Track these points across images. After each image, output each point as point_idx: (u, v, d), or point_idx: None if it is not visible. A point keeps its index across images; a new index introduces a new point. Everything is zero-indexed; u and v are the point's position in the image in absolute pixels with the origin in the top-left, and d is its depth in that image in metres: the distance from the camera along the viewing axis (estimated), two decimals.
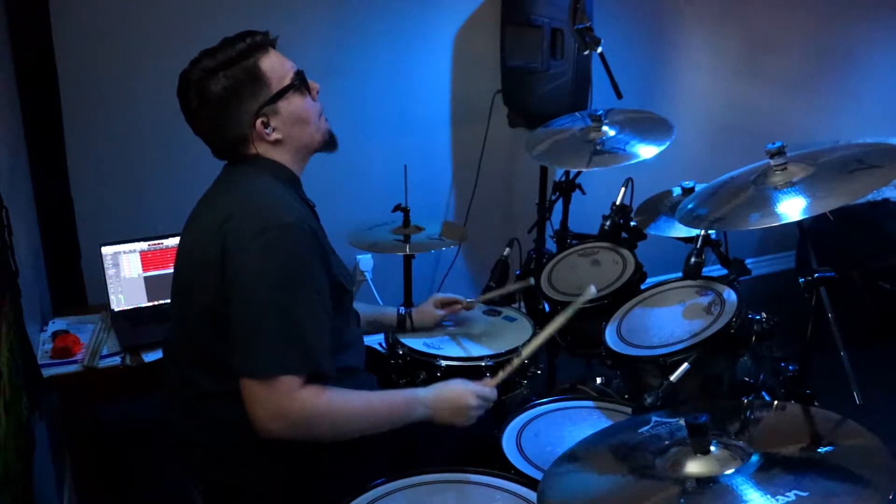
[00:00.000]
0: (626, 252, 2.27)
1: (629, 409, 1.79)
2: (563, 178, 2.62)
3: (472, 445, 1.70)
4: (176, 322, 1.65)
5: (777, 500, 1.06)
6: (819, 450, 1.21)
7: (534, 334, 1.99)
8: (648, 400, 1.63)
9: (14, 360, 1.75)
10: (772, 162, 1.65)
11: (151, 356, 2.17)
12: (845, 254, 3.34)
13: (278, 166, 1.59)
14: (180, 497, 1.73)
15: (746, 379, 1.80)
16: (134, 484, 2.52)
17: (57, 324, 2.38)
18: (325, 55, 2.90)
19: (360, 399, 1.53)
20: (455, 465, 1.54)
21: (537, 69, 2.94)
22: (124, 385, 2.18)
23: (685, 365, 1.69)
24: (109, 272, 2.38)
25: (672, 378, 1.67)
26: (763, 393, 1.82)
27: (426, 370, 1.95)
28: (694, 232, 1.98)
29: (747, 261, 1.98)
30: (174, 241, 2.37)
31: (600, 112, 2.32)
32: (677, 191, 2.30)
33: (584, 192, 2.60)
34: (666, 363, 1.73)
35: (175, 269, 1.66)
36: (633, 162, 2.17)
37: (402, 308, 2.13)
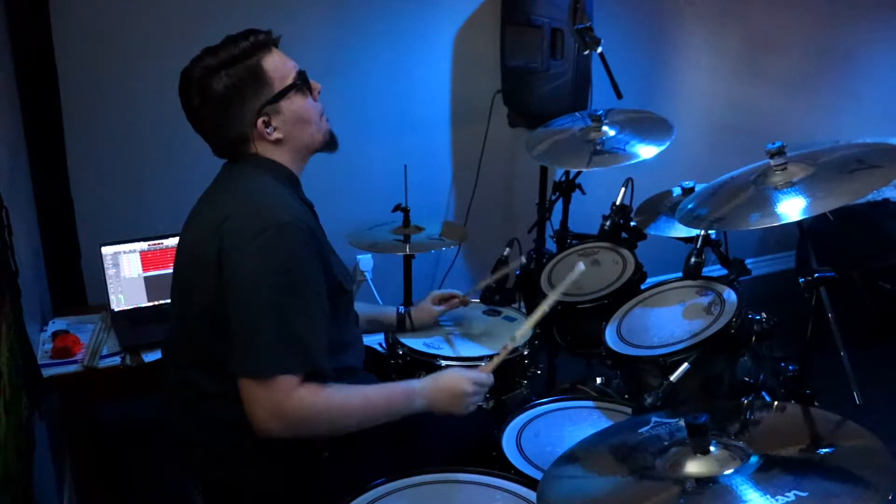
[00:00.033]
0: (626, 252, 2.27)
1: (629, 409, 1.79)
2: (563, 178, 2.62)
3: (472, 445, 1.70)
4: (176, 322, 1.65)
5: (777, 500, 1.06)
6: (819, 451, 1.21)
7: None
8: (648, 400, 1.63)
9: (14, 360, 1.75)
10: (772, 162, 1.65)
11: (151, 356, 2.17)
12: (845, 254, 3.34)
13: (278, 166, 1.59)
14: (180, 497, 1.73)
15: (746, 379, 1.80)
16: (134, 484, 2.52)
17: (57, 324, 2.37)
18: (325, 55, 2.90)
19: (357, 395, 1.54)
20: (455, 465, 1.54)
21: (537, 69, 2.94)
22: (124, 385, 2.18)
23: (685, 365, 1.69)
24: (109, 272, 2.39)
25: (672, 378, 1.67)
26: (763, 393, 1.82)
27: (426, 370, 1.95)
28: (694, 232, 1.98)
29: (747, 261, 1.98)
30: (174, 241, 2.37)
31: (600, 112, 2.32)
32: (677, 191, 2.30)
33: (584, 192, 2.60)
34: (666, 363, 1.73)
35: (175, 267, 1.66)
36: (633, 162, 2.17)
37: (402, 307, 2.13)
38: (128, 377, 2.16)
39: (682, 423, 1.26)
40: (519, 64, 2.99)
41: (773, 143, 1.64)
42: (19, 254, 1.93)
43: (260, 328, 1.43)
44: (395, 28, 3.04)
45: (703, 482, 1.15)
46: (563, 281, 1.81)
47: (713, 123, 3.68)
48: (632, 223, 2.32)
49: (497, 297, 2.19)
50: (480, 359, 1.96)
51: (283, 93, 1.56)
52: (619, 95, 2.39)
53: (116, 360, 2.19)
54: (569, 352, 2.29)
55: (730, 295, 1.86)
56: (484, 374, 1.68)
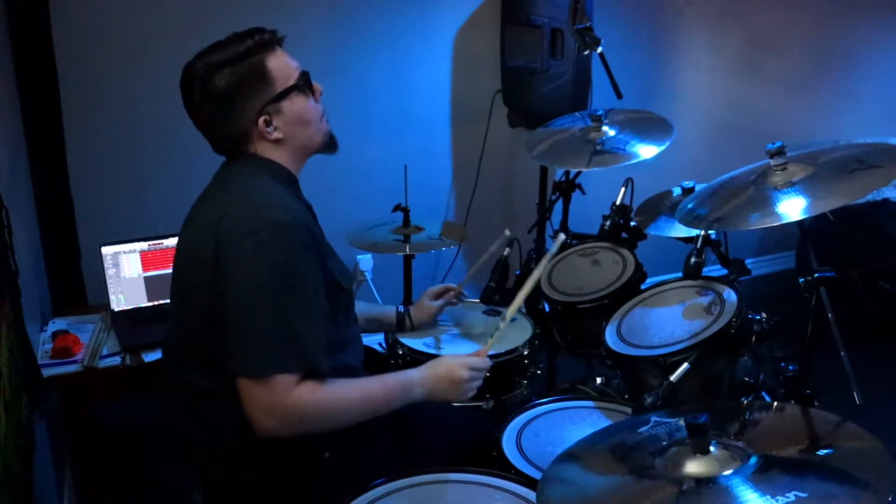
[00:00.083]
0: (626, 252, 2.27)
1: (629, 409, 1.79)
2: (563, 178, 2.62)
3: (472, 445, 1.70)
4: (175, 321, 1.65)
5: (777, 500, 1.06)
6: (818, 451, 1.21)
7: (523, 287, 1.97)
8: (648, 400, 1.63)
9: (14, 360, 1.75)
10: (772, 162, 1.64)
11: (151, 356, 2.17)
12: (845, 254, 3.34)
13: (277, 166, 1.59)
14: (180, 497, 1.73)
15: (746, 379, 1.80)
16: (134, 484, 2.52)
17: (57, 324, 2.37)
18: (325, 55, 2.90)
19: (355, 389, 1.54)
20: (455, 465, 1.54)
21: (537, 69, 2.94)
22: (124, 385, 2.18)
23: (685, 365, 1.69)
24: (109, 272, 2.39)
25: (672, 378, 1.67)
26: (763, 393, 1.82)
27: None
28: (694, 232, 1.98)
29: (747, 261, 1.98)
30: (174, 241, 2.37)
31: (600, 112, 2.32)
32: (677, 191, 2.30)
33: (584, 192, 2.60)
34: (666, 363, 1.73)
35: (174, 266, 1.66)
36: (633, 162, 2.17)
37: (401, 307, 2.13)
38: (128, 377, 2.17)
39: (681, 422, 1.26)
40: (519, 64, 2.99)
41: (773, 143, 1.64)
42: (19, 254, 1.93)
43: (257, 327, 1.43)
44: (395, 28, 3.04)
45: (703, 482, 1.15)
46: (547, 255, 1.82)
47: (713, 123, 3.68)
48: (632, 223, 2.32)
49: (497, 297, 2.19)
50: None
51: (286, 93, 1.56)
52: (619, 95, 2.39)
53: (116, 360, 2.19)
54: (569, 352, 2.29)
55: (730, 295, 1.86)
56: (479, 359, 1.69)
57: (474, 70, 3.20)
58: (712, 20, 3.59)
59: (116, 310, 2.39)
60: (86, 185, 2.69)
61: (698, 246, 1.98)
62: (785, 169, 1.63)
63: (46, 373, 2.09)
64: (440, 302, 2.14)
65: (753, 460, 1.16)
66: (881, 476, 1.08)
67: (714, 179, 1.83)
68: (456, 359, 1.67)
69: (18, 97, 2.47)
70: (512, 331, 2.14)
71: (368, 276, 3.26)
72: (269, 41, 1.56)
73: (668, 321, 1.90)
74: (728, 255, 2.07)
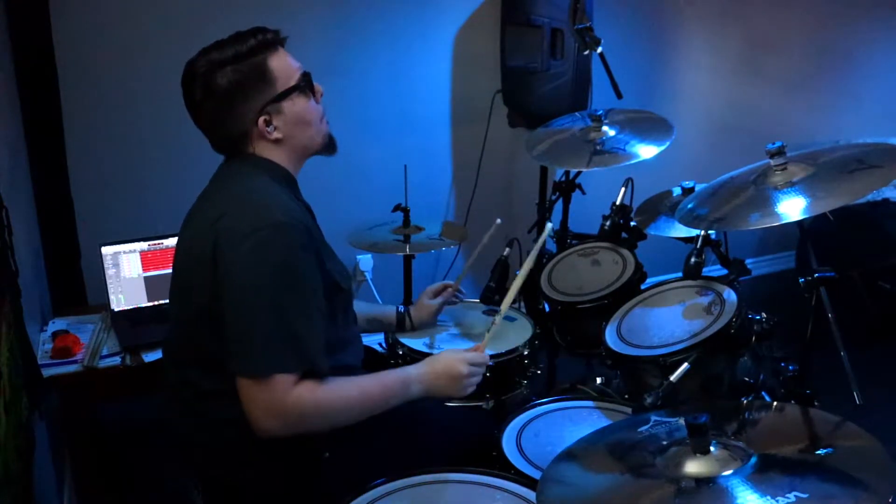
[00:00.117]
0: (626, 252, 2.27)
1: (629, 409, 1.79)
2: (563, 178, 2.62)
3: (472, 445, 1.70)
4: (175, 321, 1.65)
5: (777, 501, 1.06)
6: (818, 451, 1.21)
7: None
8: (648, 400, 1.63)
9: (14, 360, 1.75)
10: (772, 162, 1.64)
11: (151, 356, 2.17)
12: (845, 254, 3.34)
13: (275, 166, 1.59)
14: (180, 497, 1.73)
15: (746, 379, 1.80)
16: (134, 484, 2.52)
17: (57, 324, 2.37)
18: (325, 55, 2.90)
19: (354, 388, 1.54)
20: (455, 465, 1.54)
21: (537, 69, 2.94)
22: (124, 385, 2.18)
23: (685, 365, 1.69)
24: (109, 272, 2.39)
25: (672, 378, 1.67)
26: (763, 393, 1.82)
27: None
28: (694, 232, 1.97)
29: (747, 261, 1.98)
30: (174, 241, 2.36)
31: (600, 112, 2.32)
32: (677, 191, 2.30)
33: (584, 192, 2.60)
34: (666, 363, 1.73)
35: (174, 266, 1.66)
36: (633, 162, 2.17)
37: (401, 307, 2.13)
38: (128, 377, 2.17)
39: (681, 422, 1.26)
40: (519, 64, 2.99)
41: (773, 143, 1.64)
42: (19, 254, 1.93)
43: (256, 327, 1.43)
44: (395, 28, 3.04)
45: (702, 482, 1.15)
46: (535, 245, 1.83)
47: (713, 123, 3.68)
48: (632, 223, 2.32)
49: (497, 297, 2.19)
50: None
51: (287, 93, 1.56)
52: (619, 95, 2.39)
53: (116, 360, 2.19)
54: (569, 352, 2.29)
55: (730, 295, 1.86)
56: (478, 354, 1.69)
57: (474, 70, 3.20)
58: (712, 20, 3.59)
59: (116, 310, 2.39)
60: (86, 185, 2.69)
61: (698, 246, 1.97)
62: (785, 169, 1.63)
63: (46, 373, 2.09)
64: (439, 300, 2.14)
65: (753, 460, 1.16)
66: (881, 476, 1.09)
67: (714, 179, 1.83)
68: (454, 354, 1.67)
69: (18, 97, 2.47)
70: (512, 331, 2.14)
71: (368, 276, 3.26)
72: (272, 41, 1.56)
73: (668, 321, 1.90)
74: (728, 255, 2.07)
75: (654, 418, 1.39)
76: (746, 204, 1.62)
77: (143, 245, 2.41)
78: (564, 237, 2.57)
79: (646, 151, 2.18)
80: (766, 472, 1.14)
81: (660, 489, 1.16)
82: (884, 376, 2.91)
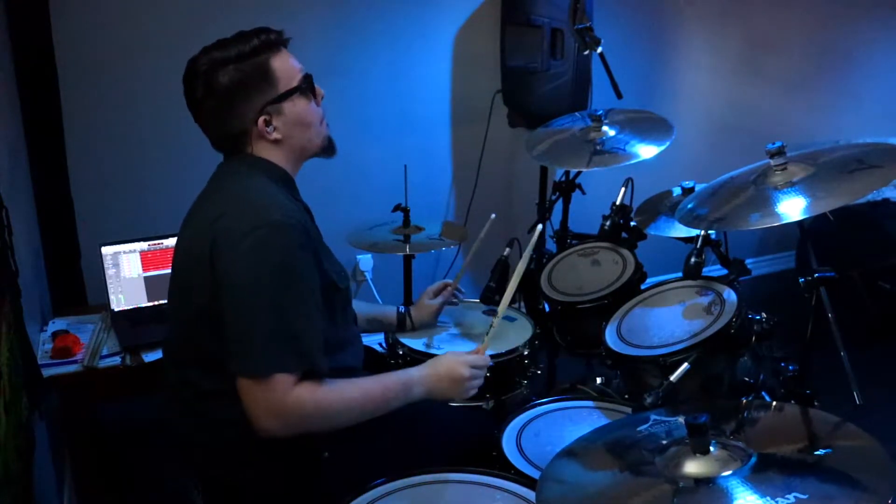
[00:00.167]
0: (626, 252, 2.27)
1: (629, 409, 1.78)
2: (563, 178, 2.62)
3: (472, 445, 1.70)
4: (175, 321, 1.65)
5: (777, 501, 1.06)
6: (817, 452, 1.20)
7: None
8: (648, 400, 1.63)
9: (14, 360, 1.75)
10: (772, 162, 1.64)
11: (151, 356, 2.17)
12: (845, 254, 3.34)
13: (273, 166, 1.59)
14: (180, 497, 1.73)
15: (746, 379, 1.80)
16: (134, 484, 2.52)
17: (57, 324, 2.37)
18: (325, 55, 2.90)
19: (355, 389, 1.54)
20: (455, 465, 1.54)
21: (537, 69, 2.94)
22: (124, 385, 2.18)
23: (685, 365, 1.69)
24: (109, 272, 2.39)
25: (672, 378, 1.67)
26: (763, 393, 1.82)
27: None
28: (694, 232, 1.98)
29: (747, 261, 1.98)
30: (174, 241, 2.35)
31: (600, 112, 2.32)
32: (677, 191, 2.30)
33: (584, 192, 2.60)
34: (666, 363, 1.73)
35: (173, 266, 1.66)
36: (633, 162, 2.17)
37: (402, 307, 2.13)
38: (128, 377, 2.16)
39: (680, 421, 1.26)
40: (519, 64, 2.99)
41: (773, 143, 1.64)
42: (19, 254, 1.93)
43: (256, 327, 1.43)
44: (395, 28, 3.04)
45: (701, 482, 1.15)
46: (528, 245, 1.83)
47: (713, 123, 3.68)
48: (632, 223, 2.32)
49: (497, 297, 2.19)
50: None
51: (288, 94, 1.56)
52: (619, 95, 2.39)
53: (116, 360, 2.19)
54: (569, 352, 2.29)
55: (730, 295, 1.86)
56: (480, 357, 1.69)
57: (474, 70, 3.20)
58: (712, 20, 3.59)
59: (116, 310, 2.39)
60: (86, 185, 2.69)
61: (698, 246, 1.97)
62: (785, 169, 1.63)
63: (46, 373, 2.09)
64: (440, 299, 2.14)
65: (753, 461, 1.16)
66: (881, 477, 1.09)
67: (714, 179, 1.83)
68: (456, 356, 1.67)
69: (18, 97, 2.47)
70: (512, 331, 2.14)
71: (368, 276, 3.26)
72: (275, 41, 1.56)
73: (668, 321, 1.90)
74: (728, 255, 2.07)
75: (653, 417, 1.39)
76: (746, 204, 1.62)
77: (143, 245, 2.41)
78: (564, 237, 2.58)
79: (646, 151, 2.18)
80: (765, 472, 1.14)
81: (659, 488, 1.16)
82: (884, 376, 2.91)
